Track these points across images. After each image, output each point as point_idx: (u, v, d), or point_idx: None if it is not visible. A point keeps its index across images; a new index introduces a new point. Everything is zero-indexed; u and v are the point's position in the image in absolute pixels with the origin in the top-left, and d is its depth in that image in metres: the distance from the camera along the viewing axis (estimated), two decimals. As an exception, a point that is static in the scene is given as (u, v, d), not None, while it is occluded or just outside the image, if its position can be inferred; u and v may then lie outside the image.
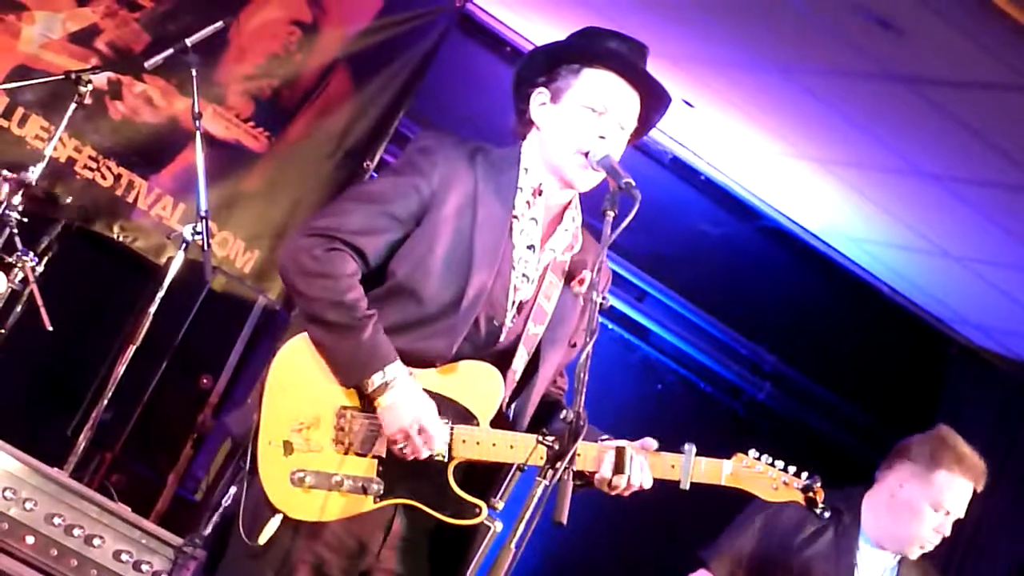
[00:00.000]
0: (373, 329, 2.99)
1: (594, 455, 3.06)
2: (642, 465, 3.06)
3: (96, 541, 4.32)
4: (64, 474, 4.66)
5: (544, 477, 2.80)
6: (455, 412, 3.06)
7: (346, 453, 3.02)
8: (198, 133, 5.46)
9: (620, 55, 3.15)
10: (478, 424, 3.07)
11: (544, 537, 2.80)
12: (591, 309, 2.92)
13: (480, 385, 3.09)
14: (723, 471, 3.15)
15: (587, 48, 3.18)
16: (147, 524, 4.45)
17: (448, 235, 3.07)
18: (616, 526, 6.73)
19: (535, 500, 2.77)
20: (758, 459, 3.16)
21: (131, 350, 5.32)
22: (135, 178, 6.25)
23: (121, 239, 6.23)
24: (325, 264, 3.01)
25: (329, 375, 3.03)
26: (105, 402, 5.29)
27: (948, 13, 4.70)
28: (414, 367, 3.04)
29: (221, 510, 3.12)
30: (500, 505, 3.11)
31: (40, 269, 5.27)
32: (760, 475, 3.15)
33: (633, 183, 3.00)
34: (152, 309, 5.35)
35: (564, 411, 2.83)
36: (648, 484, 3.08)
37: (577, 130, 3.13)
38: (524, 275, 3.16)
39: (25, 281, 5.21)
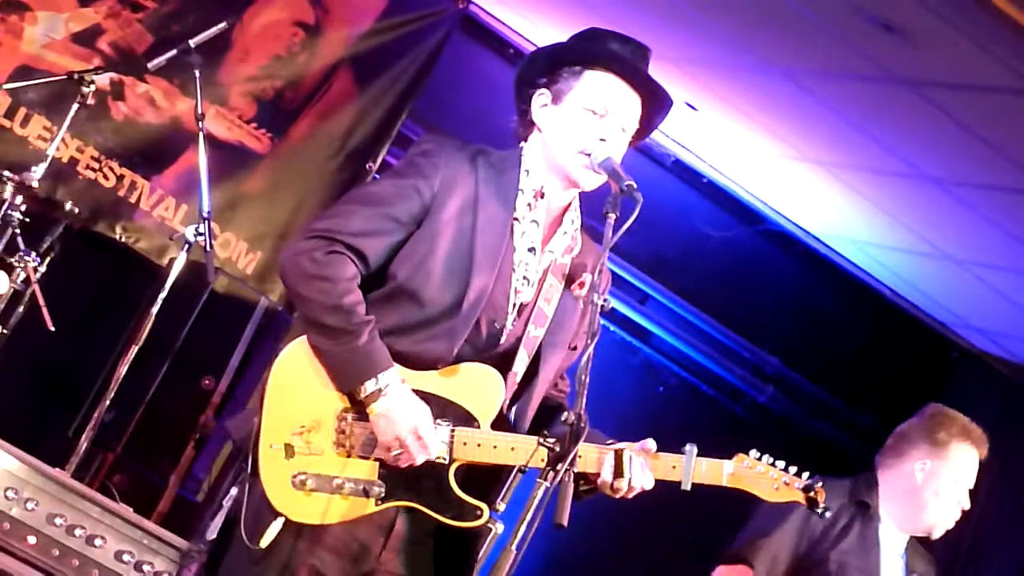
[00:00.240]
0: (369, 335, 2.98)
1: (595, 457, 3.06)
2: (642, 466, 3.05)
3: (98, 541, 4.32)
4: (66, 474, 4.66)
5: (545, 479, 2.80)
6: (456, 414, 3.06)
7: (347, 456, 3.01)
8: (201, 134, 5.47)
9: (621, 57, 3.15)
10: (479, 426, 3.06)
11: (545, 538, 2.80)
12: (592, 311, 2.91)
13: (481, 387, 3.09)
14: (724, 471, 3.14)
15: (588, 50, 3.18)
16: (149, 524, 4.45)
17: (449, 238, 3.07)
18: (617, 528, 6.72)
19: (536, 502, 2.77)
20: (759, 459, 3.16)
21: (133, 351, 5.33)
22: (137, 179, 6.26)
23: (123, 240, 6.23)
24: (324, 267, 3.01)
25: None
26: (107, 403, 5.30)
27: (951, 16, 4.70)
28: (415, 369, 3.04)
29: (223, 511, 3.11)
30: (501, 507, 3.11)
31: (42, 269, 5.28)
32: (761, 475, 3.15)
33: (635, 185, 3.00)
34: (154, 310, 5.35)
35: (565, 413, 2.83)
36: (649, 485, 3.08)
37: (578, 132, 3.12)
38: (525, 278, 3.16)
39: (27, 281, 5.22)
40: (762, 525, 4.35)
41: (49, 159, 5.32)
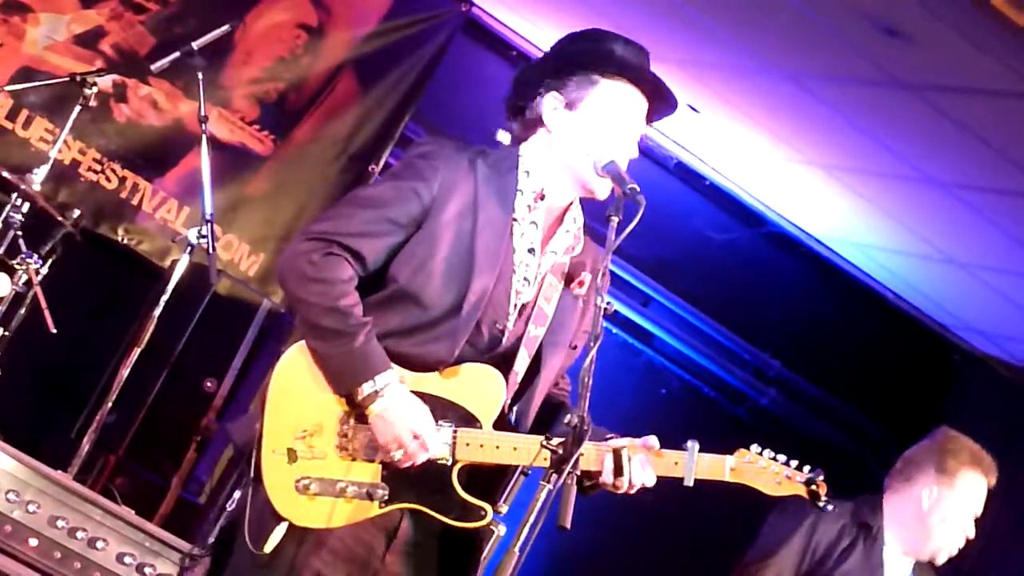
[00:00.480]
0: (366, 337, 2.98)
1: (595, 456, 3.06)
2: (642, 464, 3.05)
3: (99, 544, 4.32)
4: (68, 477, 4.66)
5: (548, 481, 2.80)
6: (458, 415, 3.06)
7: (350, 459, 3.01)
8: (204, 136, 5.47)
9: (636, 66, 3.15)
10: (481, 427, 3.06)
11: (548, 538, 2.80)
12: (595, 314, 2.91)
13: (482, 388, 3.08)
14: (726, 467, 3.14)
15: (599, 55, 3.17)
16: (151, 527, 4.45)
17: (449, 239, 3.07)
18: (620, 524, 6.72)
19: (539, 504, 2.77)
20: (760, 454, 3.16)
21: (135, 353, 5.33)
22: (140, 181, 6.27)
23: (126, 242, 6.24)
24: (321, 269, 3.00)
25: (329, 381, 3.04)
26: (109, 405, 5.30)
27: (954, 20, 4.70)
28: (416, 371, 3.04)
29: (225, 514, 3.10)
30: (504, 508, 3.10)
31: (44, 272, 5.28)
32: (763, 470, 3.15)
33: (638, 188, 3.00)
34: (156, 312, 5.35)
35: (568, 415, 2.82)
36: (650, 482, 3.08)
37: (598, 142, 3.13)
38: (525, 278, 3.16)
39: (29, 284, 5.22)
40: (765, 545, 4.38)
41: (51, 161, 5.32)
